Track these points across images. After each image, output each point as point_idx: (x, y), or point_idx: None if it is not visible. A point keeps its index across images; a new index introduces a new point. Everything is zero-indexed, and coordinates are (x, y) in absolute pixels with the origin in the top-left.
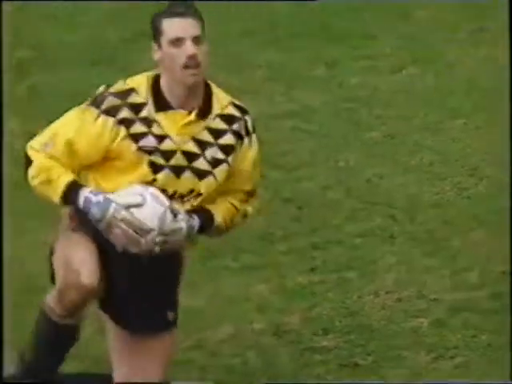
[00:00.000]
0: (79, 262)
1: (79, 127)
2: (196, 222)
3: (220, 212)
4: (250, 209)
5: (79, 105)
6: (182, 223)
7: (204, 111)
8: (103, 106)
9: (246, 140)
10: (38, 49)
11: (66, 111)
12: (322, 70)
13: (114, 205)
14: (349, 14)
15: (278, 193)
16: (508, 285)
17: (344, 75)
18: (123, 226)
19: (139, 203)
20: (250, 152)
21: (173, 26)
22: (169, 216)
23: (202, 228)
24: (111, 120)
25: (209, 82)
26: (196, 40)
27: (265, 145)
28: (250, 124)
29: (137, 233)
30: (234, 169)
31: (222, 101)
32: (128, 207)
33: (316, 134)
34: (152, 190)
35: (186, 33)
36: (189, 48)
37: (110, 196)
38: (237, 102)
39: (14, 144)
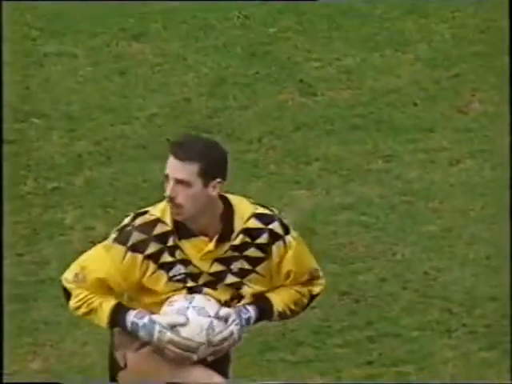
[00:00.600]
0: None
1: (109, 266)
2: (252, 313)
3: (280, 299)
4: (316, 289)
5: (137, 198)
6: (233, 327)
7: (224, 235)
8: (129, 243)
9: (275, 247)
10: (96, 141)
11: (126, 205)
12: (379, 163)
13: (158, 327)
14: (405, 107)
15: (334, 286)
16: None
17: (401, 168)
18: (171, 347)
19: (183, 323)
20: (287, 254)
21: (168, 162)
22: (217, 325)
23: (260, 318)
24: (139, 256)
25: (227, 195)
26: (180, 182)
27: (321, 237)
28: (278, 230)
29: (187, 350)
30: (280, 272)
31: (243, 215)
32: (173, 327)
33: (372, 227)
34: (196, 301)
35: (171, 173)
36: (167, 188)
37: (155, 317)
38: (260, 211)
39: (71, 236)
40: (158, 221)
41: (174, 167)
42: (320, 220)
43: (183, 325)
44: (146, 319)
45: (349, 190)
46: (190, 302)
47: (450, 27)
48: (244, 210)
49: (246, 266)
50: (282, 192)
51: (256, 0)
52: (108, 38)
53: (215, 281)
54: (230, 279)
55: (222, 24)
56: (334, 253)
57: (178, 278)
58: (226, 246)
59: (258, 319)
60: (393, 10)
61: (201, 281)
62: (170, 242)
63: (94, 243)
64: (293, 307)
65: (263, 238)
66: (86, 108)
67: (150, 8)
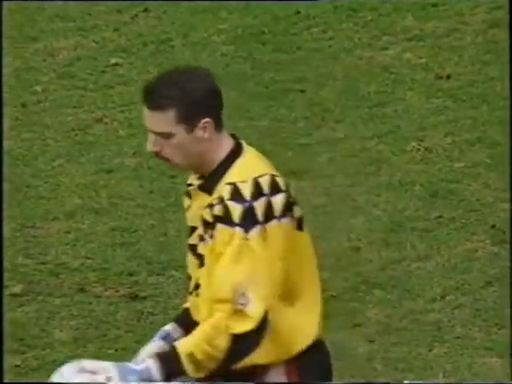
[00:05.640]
0: None
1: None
2: (151, 368)
3: (189, 341)
4: (238, 326)
5: None
6: None
7: (206, 185)
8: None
9: (219, 229)
10: None
11: None
12: None
13: None
14: None
15: None
16: None
17: None
18: None
19: None
20: (227, 245)
21: (144, 115)
22: None
23: (169, 371)
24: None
25: (246, 148)
26: (160, 135)
27: None
28: (234, 214)
29: None
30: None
31: (227, 180)
32: None
33: None
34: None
35: (148, 125)
36: (148, 143)
37: None
38: (240, 186)
39: None
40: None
41: (148, 118)
42: None
43: None
44: None
45: None
46: None
47: None
48: (233, 175)
49: (200, 230)
50: (471, 360)
51: None
52: None
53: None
54: (193, 240)
55: (398, 157)
56: None
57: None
58: (208, 200)
59: (163, 368)
60: None
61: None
62: None
63: None
64: (206, 347)
65: (216, 209)
66: None
67: (310, 139)
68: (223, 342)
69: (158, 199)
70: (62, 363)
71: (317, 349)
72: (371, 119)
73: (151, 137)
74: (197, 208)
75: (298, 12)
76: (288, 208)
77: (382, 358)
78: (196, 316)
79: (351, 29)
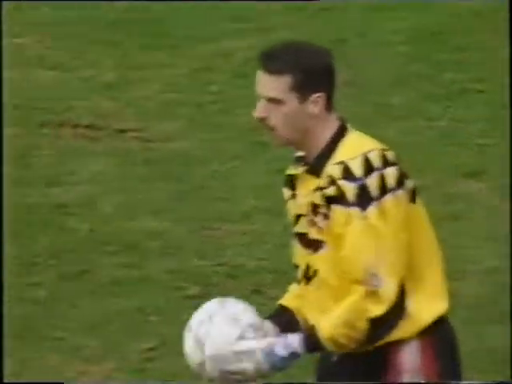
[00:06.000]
0: None
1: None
2: (296, 344)
3: (328, 321)
4: (375, 309)
5: None
6: (247, 364)
7: (313, 168)
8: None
9: (336, 207)
10: None
11: None
12: None
13: None
14: None
15: None
16: None
17: None
18: None
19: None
20: (346, 226)
21: (257, 78)
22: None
23: (309, 347)
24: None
25: (351, 131)
26: (271, 100)
27: None
28: (348, 192)
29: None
30: (340, 245)
31: (335, 160)
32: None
33: None
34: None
35: (260, 90)
36: (257, 108)
37: None
38: (345, 161)
39: None
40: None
41: (263, 83)
42: None
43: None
44: None
45: None
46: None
47: None
48: (341, 154)
49: (311, 215)
50: None
51: None
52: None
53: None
54: (302, 229)
55: None
56: None
57: None
58: (316, 183)
59: (308, 350)
60: None
61: (297, 227)
62: None
63: None
64: (345, 330)
65: (329, 190)
66: None
67: (489, 139)
68: (362, 325)
69: None
70: None
71: (443, 325)
72: None
73: (261, 102)
74: (304, 194)
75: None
76: (401, 180)
77: None
78: (303, 302)
79: None
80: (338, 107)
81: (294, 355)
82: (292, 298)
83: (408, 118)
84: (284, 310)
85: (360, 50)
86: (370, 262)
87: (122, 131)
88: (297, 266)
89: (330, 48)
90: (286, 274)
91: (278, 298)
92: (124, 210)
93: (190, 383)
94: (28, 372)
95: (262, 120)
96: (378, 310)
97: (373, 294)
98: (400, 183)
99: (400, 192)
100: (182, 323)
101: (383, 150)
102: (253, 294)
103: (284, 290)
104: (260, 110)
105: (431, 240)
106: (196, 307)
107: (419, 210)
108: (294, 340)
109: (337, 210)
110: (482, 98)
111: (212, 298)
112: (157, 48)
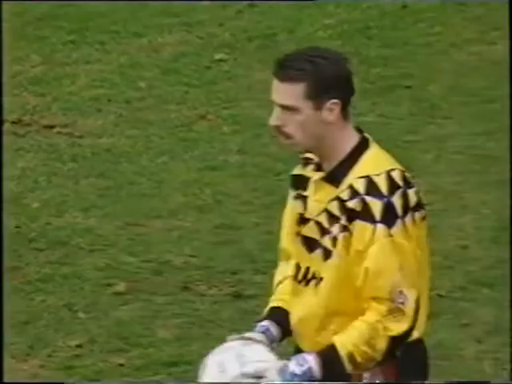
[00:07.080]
0: None
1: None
2: (312, 363)
3: (347, 339)
4: (396, 327)
5: None
6: None
7: (332, 176)
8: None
9: (358, 225)
10: None
11: None
12: None
13: None
14: None
15: None
16: None
17: None
18: None
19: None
20: (372, 246)
21: (272, 86)
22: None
23: (326, 367)
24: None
25: (373, 145)
26: (286, 108)
27: None
28: (374, 208)
29: None
30: (358, 263)
31: (359, 173)
32: None
33: None
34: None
35: (275, 98)
36: (272, 116)
37: None
38: (370, 176)
39: None
40: None
41: (277, 91)
42: None
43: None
44: None
45: None
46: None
47: None
48: (365, 168)
49: (325, 223)
50: None
51: None
52: None
53: (315, 241)
54: (310, 233)
55: (507, 154)
56: None
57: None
58: (335, 193)
59: (323, 369)
60: None
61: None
62: None
63: None
64: (365, 349)
65: (353, 204)
66: None
67: (417, 135)
68: (381, 343)
69: (262, 197)
70: (165, 362)
71: (417, 346)
72: (480, 116)
73: (276, 111)
74: (318, 200)
75: (405, 6)
76: (419, 201)
77: (491, 359)
78: (295, 303)
79: (459, 24)
80: None
81: (308, 373)
82: (282, 297)
83: None
84: (278, 310)
85: (288, 46)
86: (396, 279)
87: (50, 127)
88: (297, 266)
89: (343, 54)
90: (214, 270)
91: (206, 294)
92: (52, 206)
93: (118, 381)
94: None
95: (278, 128)
96: (399, 327)
97: (397, 312)
98: (419, 202)
99: (418, 212)
100: (111, 320)
101: (403, 170)
102: (182, 291)
103: (211, 287)
104: (275, 118)
105: (427, 259)
106: (124, 304)
107: (425, 228)
108: (309, 358)
109: (360, 225)
110: (409, 94)
111: (140, 295)
112: (84, 43)
